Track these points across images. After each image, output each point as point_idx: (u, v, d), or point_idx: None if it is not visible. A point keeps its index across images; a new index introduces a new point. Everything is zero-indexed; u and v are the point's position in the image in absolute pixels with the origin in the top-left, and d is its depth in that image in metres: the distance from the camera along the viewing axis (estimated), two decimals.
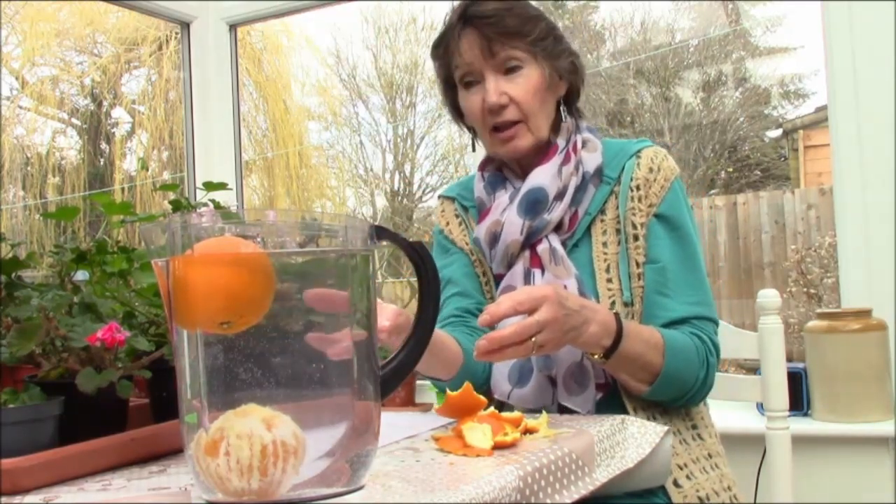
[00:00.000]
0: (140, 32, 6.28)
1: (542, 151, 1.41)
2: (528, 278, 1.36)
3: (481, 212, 1.46)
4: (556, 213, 1.36)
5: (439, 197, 1.61)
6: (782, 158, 6.12)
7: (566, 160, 1.38)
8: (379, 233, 0.83)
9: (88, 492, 0.82)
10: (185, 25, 3.23)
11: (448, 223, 1.55)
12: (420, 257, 0.88)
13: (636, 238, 1.36)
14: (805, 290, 3.97)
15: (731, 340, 1.55)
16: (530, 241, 1.37)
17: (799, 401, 2.06)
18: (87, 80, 6.82)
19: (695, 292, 1.34)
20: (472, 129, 1.52)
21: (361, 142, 7.00)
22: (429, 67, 6.49)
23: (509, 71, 1.37)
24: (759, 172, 6.42)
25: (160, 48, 6.27)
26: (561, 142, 1.41)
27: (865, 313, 2.04)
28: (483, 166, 1.50)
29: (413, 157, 7.03)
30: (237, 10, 3.17)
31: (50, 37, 6.46)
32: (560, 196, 1.37)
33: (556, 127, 1.43)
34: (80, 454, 0.88)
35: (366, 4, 6.55)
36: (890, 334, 2.04)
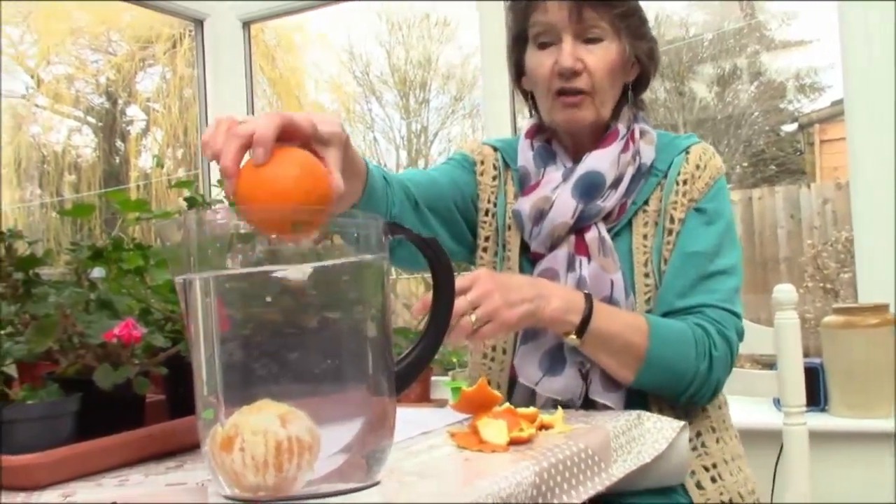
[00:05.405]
0: (154, 30, 6.30)
1: (599, 134, 1.37)
2: (571, 265, 1.31)
3: (526, 183, 1.40)
4: (611, 201, 1.32)
5: (482, 143, 1.52)
6: (798, 153, 6.08)
7: (625, 148, 1.34)
8: (392, 229, 0.83)
9: (106, 487, 0.83)
10: (199, 23, 3.25)
11: (483, 166, 1.46)
12: (434, 253, 0.88)
13: (670, 233, 1.33)
14: (821, 284, 3.93)
15: (747, 335, 1.54)
16: (578, 226, 1.32)
17: (816, 396, 2.05)
18: (101, 78, 6.85)
19: (711, 282, 1.30)
20: (527, 95, 1.45)
21: (375, 138, 6.99)
22: (442, 63, 6.50)
23: (589, 40, 1.32)
24: (774, 167, 6.37)
25: (174, 46, 6.29)
26: (622, 128, 1.36)
27: (882, 308, 2.03)
28: (532, 134, 1.43)
29: (427, 154, 7.02)
30: (250, 8, 3.17)
31: (65, 35, 6.48)
32: (616, 184, 1.33)
33: (615, 112, 1.38)
34: (98, 450, 0.88)
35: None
36: None
